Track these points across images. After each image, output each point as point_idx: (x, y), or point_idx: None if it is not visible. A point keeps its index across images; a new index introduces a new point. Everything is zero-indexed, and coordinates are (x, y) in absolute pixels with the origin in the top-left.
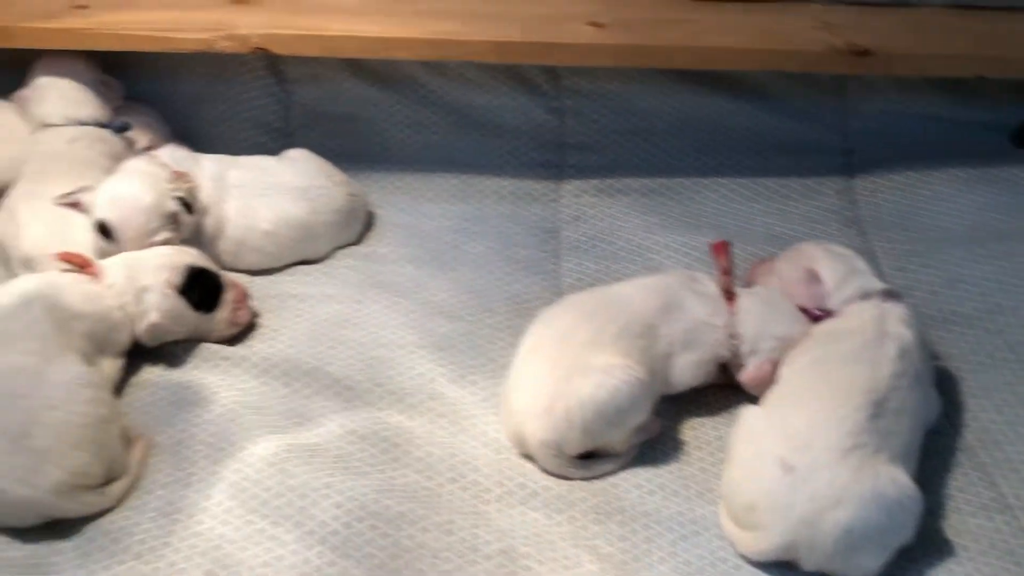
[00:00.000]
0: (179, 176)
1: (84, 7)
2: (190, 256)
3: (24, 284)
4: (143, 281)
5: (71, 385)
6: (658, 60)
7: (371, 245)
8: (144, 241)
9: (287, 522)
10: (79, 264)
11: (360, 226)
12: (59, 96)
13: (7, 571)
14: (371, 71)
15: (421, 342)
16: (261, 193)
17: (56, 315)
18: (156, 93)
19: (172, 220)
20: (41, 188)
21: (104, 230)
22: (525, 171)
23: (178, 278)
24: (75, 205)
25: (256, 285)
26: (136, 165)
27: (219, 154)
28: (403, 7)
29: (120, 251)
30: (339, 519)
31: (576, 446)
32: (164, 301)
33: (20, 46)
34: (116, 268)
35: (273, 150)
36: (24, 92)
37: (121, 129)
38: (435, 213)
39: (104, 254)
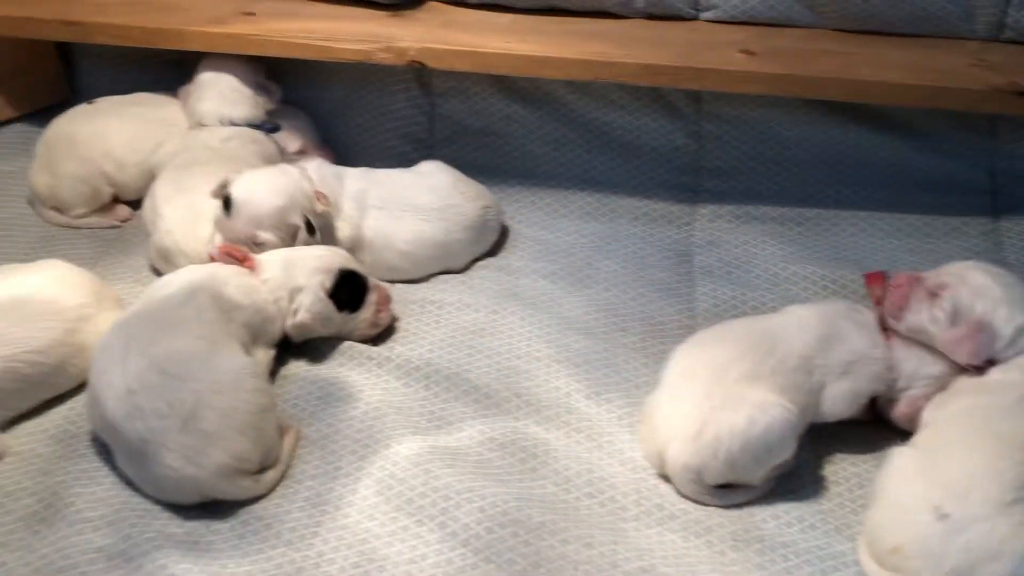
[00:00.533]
0: (320, 197)
1: (251, 14)
2: (341, 258)
3: (189, 274)
4: (298, 281)
5: (237, 373)
6: (811, 91)
7: (507, 258)
8: (250, 231)
9: (431, 522)
10: (238, 258)
11: (494, 237)
12: (217, 95)
13: (170, 545)
14: (516, 88)
15: (557, 356)
16: (399, 215)
17: (219, 305)
18: (306, 99)
19: (289, 232)
20: (186, 180)
21: (227, 204)
22: (661, 193)
23: (330, 282)
24: (224, 188)
25: (397, 290)
26: (290, 170)
27: (362, 167)
28: (555, 27)
29: (230, 231)
30: (482, 523)
31: (716, 476)
32: (315, 304)
33: (191, 49)
34: (273, 264)
35: (414, 160)
36: (187, 87)
37: (272, 130)
38: (570, 229)
39: (219, 228)
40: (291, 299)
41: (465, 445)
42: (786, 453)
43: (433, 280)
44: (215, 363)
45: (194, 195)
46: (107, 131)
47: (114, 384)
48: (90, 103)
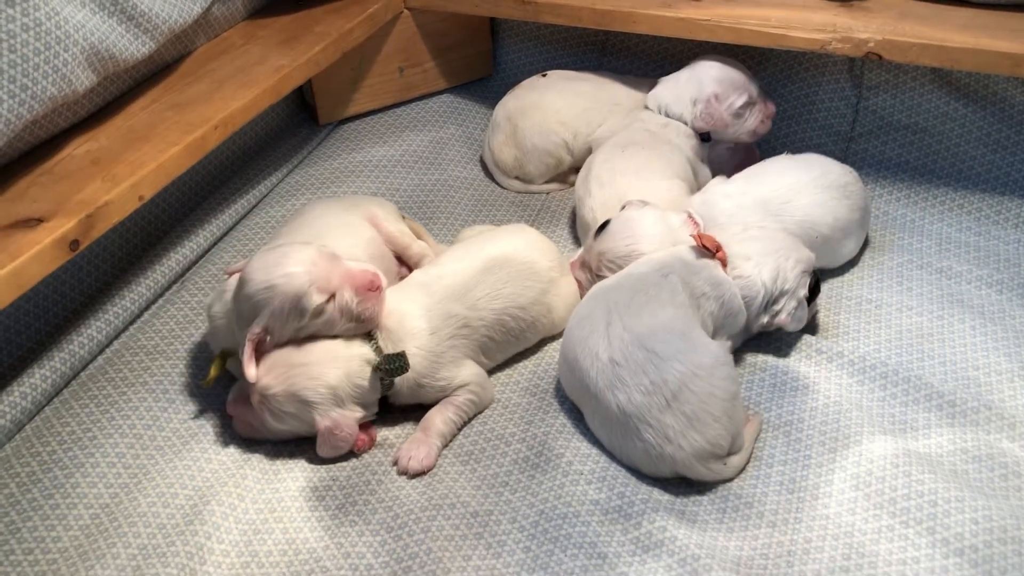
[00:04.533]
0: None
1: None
2: (813, 255)
3: (661, 256)
4: (786, 285)
5: (714, 358)
6: None
7: (944, 260)
8: (599, 263)
9: (918, 525)
10: (711, 248)
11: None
12: (673, 84)
13: (662, 509)
14: (959, 85)
15: (1020, 372)
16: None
17: (689, 291)
18: None
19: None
20: (620, 164)
21: (600, 230)
22: None
23: (810, 283)
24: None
25: (832, 287)
26: (671, 218)
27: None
28: (1021, 24)
29: (586, 251)
30: (978, 536)
31: None
32: (799, 310)
33: (640, 31)
34: (754, 265)
35: (832, 153)
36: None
37: (704, 139)
38: (1008, 238)
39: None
40: (775, 301)
41: (936, 453)
42: None
43: (866, 279)
44: (694, 346)
45: (624, 179)
46: (563, 103)
47: (598, 353)
48: (543, 76)
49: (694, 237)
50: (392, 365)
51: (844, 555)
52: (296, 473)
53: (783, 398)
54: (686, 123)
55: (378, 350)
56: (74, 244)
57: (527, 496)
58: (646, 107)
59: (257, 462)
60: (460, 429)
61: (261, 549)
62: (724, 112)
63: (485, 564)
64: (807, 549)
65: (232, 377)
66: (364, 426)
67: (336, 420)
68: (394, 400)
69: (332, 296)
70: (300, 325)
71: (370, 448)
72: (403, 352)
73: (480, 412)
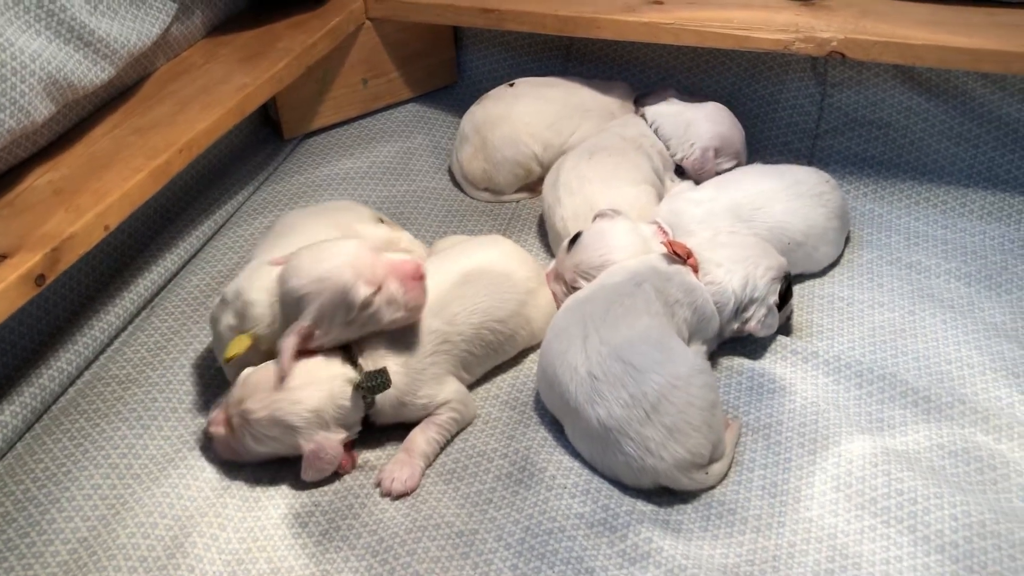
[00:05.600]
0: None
1: (660, 3)
2: (784, 260)
3: (633, 265)
4: (756, 292)
5: (691, 368)
6: None
7: (913, 255)
8: (573, 276)
9: (899, 524)
10: (681, 255)
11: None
12: (677, 111)
13: (647, 520)
14: (921, 80)
15: (992, 364)
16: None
17: (663, 298)
18: (694, 88)
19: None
20: (587, 171)
21: (574, 239)
22: None
23: (781, 289)
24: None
25: (805, 286)
26: (644, 230)
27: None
28: (984, 19)
29: (560, 263)
30: (958, 532)
31: None
32: (769, 317)
33: (604, 37)
34: (725, 272)
35: (798, 150)
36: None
37: (678, 171)
38: (974, 230)
39: (556, 254)
40: (745, 308)
41: (914, 449)
42: None
43: (838, 277)
44: (671, 356)
45: (592, 186)
46: (532, 113)
47: (576, 368)
48: (510, 85)
49: (664, 244)
50: (374, 382)
51: (828, 557)
52: (278, 500)
53: (760, 400)
54: (668, 148)
55: (359, 368)
56: (40, 279)
57: (512, 513)
58: (641, 115)
59: (237, 489)
60: (443, 448)
61: None
62: (712, 166)
63: None
64: (792, 553)
65: (215, 395)
66: (345, 448)
67: (320, 443)
68: (376, 419)
69: (379, 288)
70: (349, 319)
71: (352, 470)
72: (384, 368)
73: (463, 429)
